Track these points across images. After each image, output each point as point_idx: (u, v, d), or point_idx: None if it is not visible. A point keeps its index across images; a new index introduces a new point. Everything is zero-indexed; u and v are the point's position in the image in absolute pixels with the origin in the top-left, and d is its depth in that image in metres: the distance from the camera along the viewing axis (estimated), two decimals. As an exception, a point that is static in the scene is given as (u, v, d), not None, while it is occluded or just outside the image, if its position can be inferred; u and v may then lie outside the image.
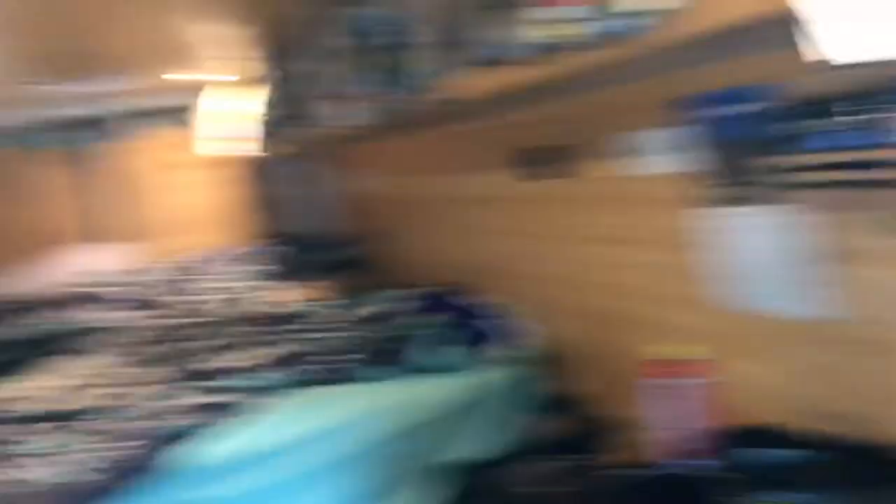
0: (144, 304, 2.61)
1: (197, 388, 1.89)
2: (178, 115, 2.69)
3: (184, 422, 1.66)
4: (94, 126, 2.61)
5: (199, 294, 2.67)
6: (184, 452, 1.53)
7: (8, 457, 1.55)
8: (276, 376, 1.96)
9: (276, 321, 2.41)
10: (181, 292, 2.69)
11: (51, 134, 2.51)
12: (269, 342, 2.20)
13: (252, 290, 2.71)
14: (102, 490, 1.41)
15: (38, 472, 1.46)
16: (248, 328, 2.36)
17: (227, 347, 2.20)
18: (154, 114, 2.67)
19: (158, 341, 2.32)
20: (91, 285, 2.63)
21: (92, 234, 2.81)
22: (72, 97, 2.34)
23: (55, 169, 2.75)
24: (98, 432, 1.64)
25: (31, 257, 2.61)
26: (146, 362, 2.16)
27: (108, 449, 1.54)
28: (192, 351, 2.19)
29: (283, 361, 2.07)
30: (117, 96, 2.41)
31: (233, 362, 2.06)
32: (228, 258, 2.94)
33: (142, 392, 1.88)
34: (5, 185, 2.61)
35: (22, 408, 1.84)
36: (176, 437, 1.58)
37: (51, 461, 1.51)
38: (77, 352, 2.34)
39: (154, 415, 1.72)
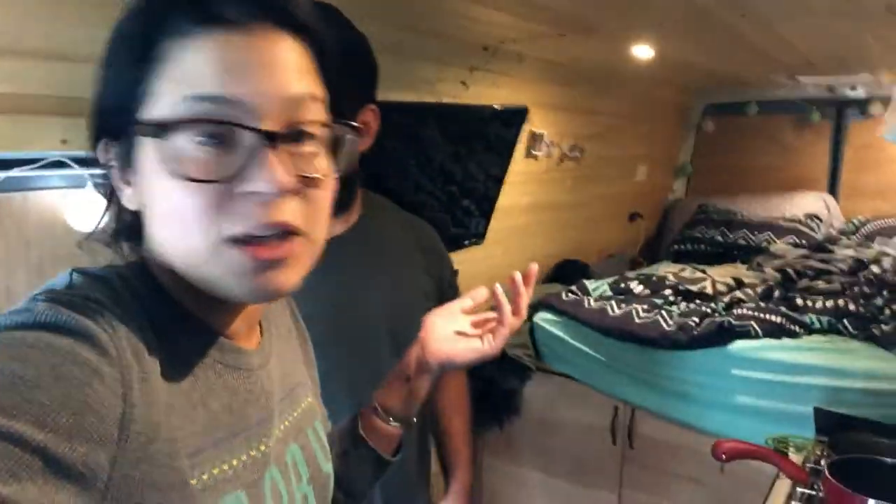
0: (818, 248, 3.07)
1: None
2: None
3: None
4: (849, 106, 3.60)
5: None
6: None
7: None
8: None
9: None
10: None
11: (819, 110, 3.66)
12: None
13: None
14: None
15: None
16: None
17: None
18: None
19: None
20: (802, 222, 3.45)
21: (834, 188, 3.82)
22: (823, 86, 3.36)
23: (817, 134, 3.84)
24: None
25: (779, 194, 3.77)
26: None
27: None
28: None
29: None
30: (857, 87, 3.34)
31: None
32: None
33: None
34: (776, 141, 3.87)
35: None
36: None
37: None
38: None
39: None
